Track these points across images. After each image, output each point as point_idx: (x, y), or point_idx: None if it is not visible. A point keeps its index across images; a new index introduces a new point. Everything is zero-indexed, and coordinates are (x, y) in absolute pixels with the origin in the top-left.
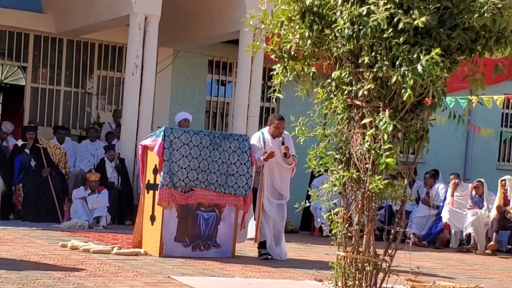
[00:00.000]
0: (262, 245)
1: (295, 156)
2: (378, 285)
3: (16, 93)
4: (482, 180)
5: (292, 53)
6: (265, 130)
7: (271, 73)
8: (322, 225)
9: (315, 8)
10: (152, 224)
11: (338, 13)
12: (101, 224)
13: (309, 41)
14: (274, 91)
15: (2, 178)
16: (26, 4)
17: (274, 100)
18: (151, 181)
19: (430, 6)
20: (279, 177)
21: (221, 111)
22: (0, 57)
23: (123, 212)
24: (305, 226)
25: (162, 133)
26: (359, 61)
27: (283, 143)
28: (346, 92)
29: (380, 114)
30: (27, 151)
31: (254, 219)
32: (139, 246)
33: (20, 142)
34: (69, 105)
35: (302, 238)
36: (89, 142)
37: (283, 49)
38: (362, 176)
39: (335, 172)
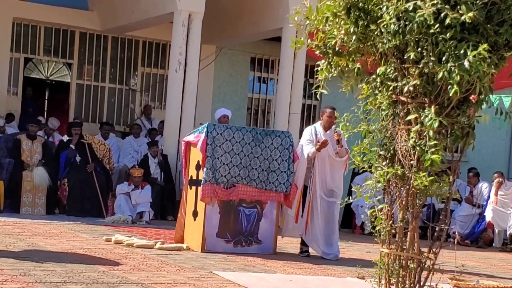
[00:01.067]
0: (304, 242)
1: (348, 149)
2: (422, 283)
3: (62, 89)
4: None
5: (337, 49)
6: (317, 124)
7: (315, 69)
8: (366, 222)
9: (360, 4)
10: (195, 219)
11: (384, 8)
12: (144, 219)
13: (354, 37)
14: (318, 87)
15: (48, 173)
16: (72, 1)
17: (318, 96)
18: (194, 177)
19: (477, 1)
20: (331, 172)
21: (263, 108)
22: (46, 54)
23: (166, 207)
24: (346, 223)
25: (205, 129)
26: (405, 57)
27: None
28: (391, 88)
29: (425, 110)
30: (73, 146)
31: (301, 216)
32: (181, 241)
33: (65, 138)
34: (113, 101)
35: (343, 236)
36: (133, 138)
37: (328, 45)
38: (406, 172)
39: (379, 168)
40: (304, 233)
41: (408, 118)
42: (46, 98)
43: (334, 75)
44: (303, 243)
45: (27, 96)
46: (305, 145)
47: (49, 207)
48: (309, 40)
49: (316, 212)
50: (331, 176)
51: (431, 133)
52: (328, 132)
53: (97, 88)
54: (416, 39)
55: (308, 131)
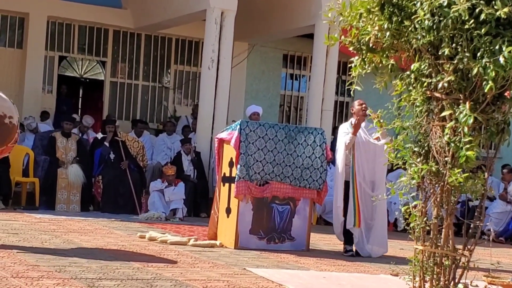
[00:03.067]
0: (348, 241)
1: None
2: (456, 280)
3: (96, 87)
4: None
5: (371, 45)
6: (353, 120)
7: (348, 65)
8: (399, 219)
9: (394, 0)
10: (228, 216)
11: (418, 4)
12: (177, 216)
13: (388, 33)
14: (351, 83)
15: (82, 171)
16: (105, 0)
17: (352, 92)
18: (227, 174)
19: None
20: (370, 162)
21: (295, 105)
22: (80, 52)
23: (199, 204)
24: None
25: (238, 126)
26: (439, 53)
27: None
28: (425, 84)
29: (460, 107)
30: (107, 144)
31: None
32: (214, 238)
33: (99, 135)
34: (147, 99)
35: None
36: (166, 135)
37: (362, 41)
38: (441, 169)
39: (413, 165)
40: (357, 225)
41: (443, 114)
42: (80, 96)
43: (368, 71)
44: (347, 242)
45: (62, 94)
46: (342, 137)
47: (84, 204)
48: (342, 37)
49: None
50: (373, 165)
51: (465, 129)
52: (363, 123)
53: (131, 85)
54: (451, 35)
55: (344, 126)
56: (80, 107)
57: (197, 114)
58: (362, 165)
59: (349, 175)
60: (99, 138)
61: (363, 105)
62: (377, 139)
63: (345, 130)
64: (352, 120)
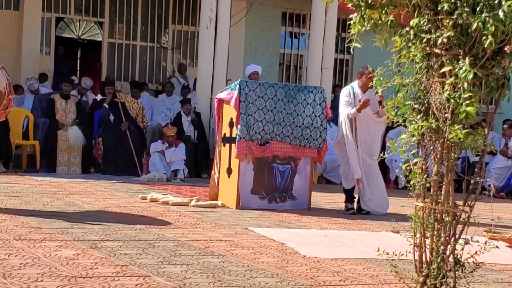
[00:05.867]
0: (349, 199)
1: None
2: (457, 236)
3: (94, 48)
4: None
5: (369, 1)
6: (355, 84)
7: (347, 23)
8: (400, 176)
9: None
10: (229, 177)
11: None
12: (178, 177)
13: None
14: (351, 41)
15: (82, 133)
16: None
17: (351, 50)
18: (227, 134)
19: None
20: (371, 133)
21: (295, 63)
22: (77, 13)
23: (200, 165)
24: None
25: (238, 86)
26: (438, 8)
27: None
28: (424, 40)
29: (460, 62)
30: (106, 105)
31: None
32: (215, 199)
33: (99, 97)
34: (145, 59)
35: None
36: (166, 96)
37: None
38: (441, 126)
39: (413, 122)
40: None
41: (442, 70)
42: (79, 57)
43: (367, 28)
44: (348, 200)
45: (59, 55)
46: (344, 107)
47: (85, 166)
48: None
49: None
50: (371, 136)
51: (465, 85)
52: (366, 93)
53: (129, 46)
54: None
55: (345, 92)
56: (78, 68)
57: (184, 72)
58: (363, 136)
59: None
60: (99, 100)
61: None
62: (377, 113)
63: (346, 98)
64: (355, 85)
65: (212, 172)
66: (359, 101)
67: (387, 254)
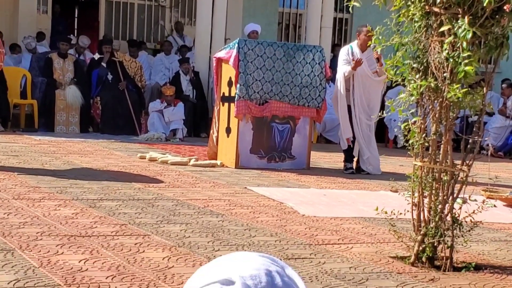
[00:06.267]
0: (348, 159)
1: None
2: (455, 195)
3: (91, 7)
4: None
5: None
6: (354, 44)
7: None
8: (399, 136)
9: None
10: (228, 136)
11: None
12: (177, 136)
13: None
14: (350, 0)
15: (80, 92)
16: None
17: (350, 9)
18: (226, 94)
19: None
20: (369, 92)
21: (294, 22)
22: None
23: (199, 124)
24: (379, 137)
25: (236, 45)
26: None
27: (377, 59)
28: None
29: (459, 21)
30: (104, 64)
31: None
32: (214, 158)
33: (96, 56)
34: (143, 18)
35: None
36: (164, 55)
37: None
38: (440, 85)
39: (412, 81)
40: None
41: (441, 29)
42: (76, 16)
43: None
44: (347, 160)
45: (56, 14)
46: (342, 65)
47: (83, 125)
48: None
49: (357, 132)
50: (369, 96)
51: (464, 44)
52: (364, 52)
53: (126, 4)
54: None
55: (344, 51)
56: (76, 27)
57: (181, 31)
58: (361, 97)
59: (350, 99)
60: (96, 58)
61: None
62: (375, 73)
63: (344, 56)
64: (354, 44)
65: (211, 131)
66: (353, 60)
67: (386, 213)
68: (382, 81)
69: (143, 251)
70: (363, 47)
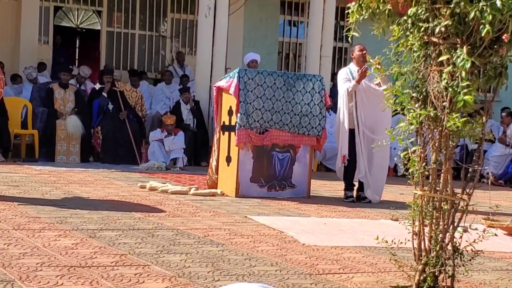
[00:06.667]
0: (349, 187)
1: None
2: (455, 224)
3: (92, 37)
4: None
5: None
6: (351, 65)
7: (346, 11)
8: (399, 164)
9: None
10: (228, 165)
11: None
12: (177, 165)
13: None
14: (349, 30)
15: (81, 121)
16: None
17: (349, 39)
18: (226, 123)
19: None
20: (372, 106)
21: (294, 52)
22: (75, 2)
23: (199, 153)
24: None
25: (237, 74)
26: None
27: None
28: (422, 29)
29: (457, 51)
30: (105, 94)
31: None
32: (213, 187)
33: (97, 86)
34: (144, 48)
35: None
36: (165, 85)
37: None
38: (439, 114)
39: (412, 110)
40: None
41: (440, 59)
42: (77, 46)
43: (365, 17)
44: (347, 188)
45: (57, 44)
46: (343, 84)
47: (84, 155)
48: None
49: (359, 151)
50: (374, 110)
51: (463, 73)
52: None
53: (127, 35)
54: None
55: (343, 71)
56: (77, 57)
57: (182, 61)
58: (364, 112)
59: (353, 122)
60: (97, 88)
61: (364, 51)
62: (378, 84)
63: (344, 76)
64: (351, 65)
65: (210, 160)
66: (362, 69)
67: (386, 242)
68: (382, 92)
69: (143, 282)
70: (360, 64)
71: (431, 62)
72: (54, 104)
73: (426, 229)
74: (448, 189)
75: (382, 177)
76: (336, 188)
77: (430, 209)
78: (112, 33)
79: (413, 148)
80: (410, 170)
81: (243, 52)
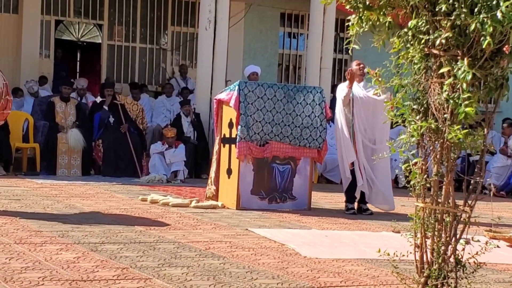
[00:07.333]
0: (350, 200)
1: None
2: (457, 236)
3: (93, 51)
4: None
5: (367, 3)
6: None
7: (346, 24)
8: (400, 176)
9: None
10: (229, 177)
11: None
12: (178, 178)
13: None
14: (349, 42)
15: (82, 135)
16: None
17: (350, 51)
18: (227, 135)
19: None
20: (373, 116)
21: (294, 64)
22: (76, 16)
23: (200, 166)
24: None
25: (237, 87)
26: (436, 9)
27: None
28: (423, 41)
29: (458, 63)
30: (106, 107)
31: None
32: (212, 198)
33: (98, 99)
34: (145, 61)
35: None
36: (165, 97)
37: None
38: (440, 126)
39: (413, 122)
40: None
41: (441, 71)
42: (78, 59)
43: (366, 29)
44: (348, 200)
45: (58, 58)
46: (339, 95)
47: (85, 168)
48: None
49: (360, 160)
50: (373, 120)
51: (464, 85)
52: (361, 83)
53: (128, 48)
54: None
55: (342, 85)
56: (78, 71)
57: (185, 74)
58: (362, 122)
59: (350, 134)
60: (98, 101)
61: (361, 65)
62: (377, 94)
63: (343, 88)
64: None
65: (210, 172)
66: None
67: (388, 254)
68: (382, 102)
69: None
70: (358, 78)
71: (432, 74)
72: (55, 118)
73: (428, 242)
74: (450, 201)
75: (388, 184)
76: (337, 200)
77: (432, 221)
78: (113, 47)
79: (414, 160)
80: (411, 182)
81: (243, 64)
